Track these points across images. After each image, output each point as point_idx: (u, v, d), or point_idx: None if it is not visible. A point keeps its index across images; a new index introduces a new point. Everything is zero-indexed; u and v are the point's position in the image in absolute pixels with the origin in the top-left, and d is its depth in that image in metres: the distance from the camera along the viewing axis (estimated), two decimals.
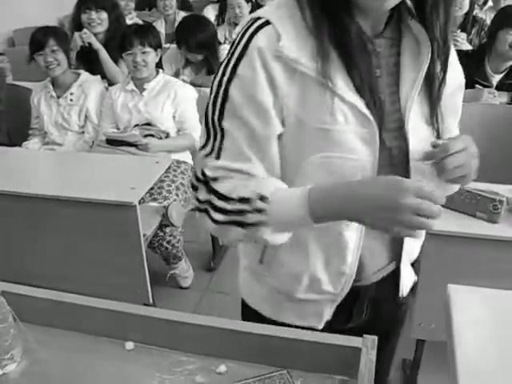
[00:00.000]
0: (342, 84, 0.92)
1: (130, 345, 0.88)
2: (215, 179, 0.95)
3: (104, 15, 3.26)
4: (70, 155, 2.67)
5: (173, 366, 0.85)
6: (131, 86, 2.72)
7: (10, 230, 2.22)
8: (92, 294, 0.89)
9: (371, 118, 0.93)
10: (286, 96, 0.92)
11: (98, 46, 3.19)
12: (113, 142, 2.58)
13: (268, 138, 0.94)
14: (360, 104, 0.93)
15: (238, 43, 0.92)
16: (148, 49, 2.64)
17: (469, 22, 3.84)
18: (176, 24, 3.60)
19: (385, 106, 0.98)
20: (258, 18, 0.92)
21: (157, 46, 2.70)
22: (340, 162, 0.93)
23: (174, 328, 0.86)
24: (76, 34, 3.23)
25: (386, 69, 0.99)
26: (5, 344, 0.82)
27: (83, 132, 2.84)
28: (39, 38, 2.71)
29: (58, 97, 2.82)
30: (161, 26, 4.29)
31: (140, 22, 3.75)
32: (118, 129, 2.67)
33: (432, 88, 1.00)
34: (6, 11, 4.29)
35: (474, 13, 4.11)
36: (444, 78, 1.00)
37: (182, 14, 4.22)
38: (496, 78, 2.95)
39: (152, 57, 2.67)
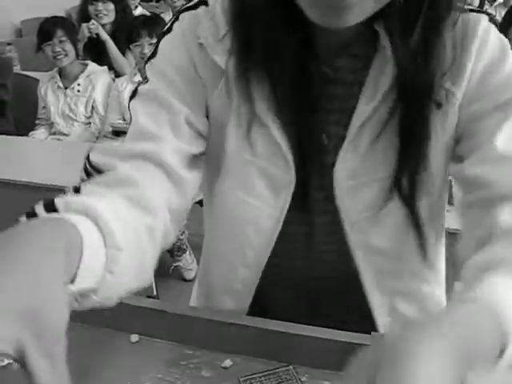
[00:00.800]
0: (263, 104, 0.74)
1: (135, 337, 0.88)
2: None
3: (111, 6, 3.27)
4: (76, 145, 2.67)
5: (178, 359, 0.85)
6: (138, 77, 2.72)
7: (14, 218, 2.21)
8: None
9: (290, 158, 0.76)
10: (210, 95, 0.77)
11: (105, 36, 3.19)
12: (119, 134, 2.58)
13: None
14: (283, 139, 0.75)
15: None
16: (156, 40, 2.63)
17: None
18: None
19: (321, 148, 0.77)
20: None
21: None
22: (237, 201, 0.80)
23: (178, 321, 0.85)
24: (83, 25, 3.23)
25: (340, 100, 0.76)
26: None
27: (90, 123, 2.84)
28: (47, 28, 2.71)
29: (66, 87, 2.83)
30: (168, 18, 4.29)
31: (147, 14, 3.74)
32: (125, 120, 2.67)
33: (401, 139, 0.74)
34: (14, 1, 4.29)
35: (484, 9, 4.09)
36: (426, 127, 0.73)
37: None
38: None
39: None
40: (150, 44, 2.60)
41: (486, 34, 0.73)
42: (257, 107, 0.75)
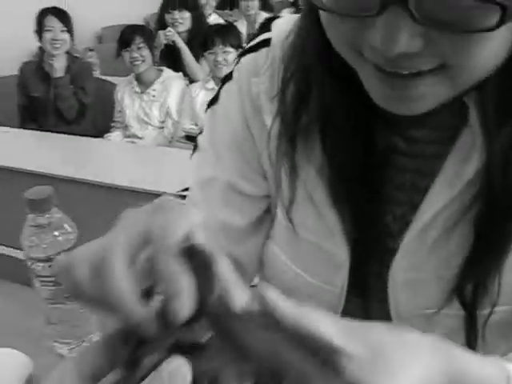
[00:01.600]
0: (310, 176, 0.64)
1: None
2: None
3: (186, 15, 3.38)
4: (150, 149, 2.76)
5: None
6: (211, 84, 2.79)
7: (88, 217, 2.32)
8: None
9: (343, 241, 0.65)
10: (261, 154, 0.69)
11: (181, 44, 3.29)
12: (192, 139, 2.65)
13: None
14: (333, 215, 0.64)
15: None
16: (229, 48, 2.70)
17: None
18: (257, 25, 3.66)
19: (384, 232, 0.66)
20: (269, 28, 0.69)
21: (238, 46, 2.76)
22: (296, 277, 0.70)
23: None
24: (160, 33, 3.35)
25: (412, 177, 0.64)
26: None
27: (163, 127, 2.94)
28: (127, 35, 2.83)
29: (142, 92, 2.93)
30: (242, 26, 4.36)
31: (222, 22, 3.83)
32: (197, 125, 2.74)
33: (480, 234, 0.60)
34: (95, 10, 4.48)
35: None
36: (509, 234, 0.58)
37: (263, 15, 4.27)
38: None
39: (233, 56, 2.72)
40: (224, 52, 2.66)
41: None
42: (303, 177, 0.65)
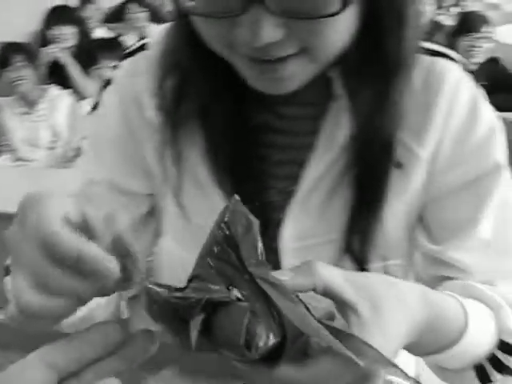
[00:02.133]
0: (196, 160, 0.69)
1: None
2: None
3: (70, 30, 3.27)
4: (40, 171, 2.65)
5: None
6: None
7: None
8: None
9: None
10: (144, 150, 0.73)
11: (66, 60, 3.18)
12: None
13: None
14: (219, 196, 0.69)
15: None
16: (116, 63, 2.64)
17: (432, 29, 3.91)
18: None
19: (266, 205, 0.70)
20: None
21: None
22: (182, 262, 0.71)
23: None
24: (43, 50, 3.22)
25: (289, 153, 0.70)
26: None
27: (53, 147, 2.83)
28: (6, 55, 2.71)
29: (27, 113, 2.81)
30: (131, 39, 4.28)
31: (108, 35, 3.75)
32: None
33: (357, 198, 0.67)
34: None
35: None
36: (383, 185, 0.67)
37: (153, 27, 4.21)
38: None
39: None
40: (109, 67, 2.61)
41: (456, 89, 0.66)
42: (188, 163, 0.70)
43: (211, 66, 0.62)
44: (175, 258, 0.76)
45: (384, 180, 0.66)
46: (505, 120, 2.41)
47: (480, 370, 0.64)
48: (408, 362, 0.92)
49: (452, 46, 3.01)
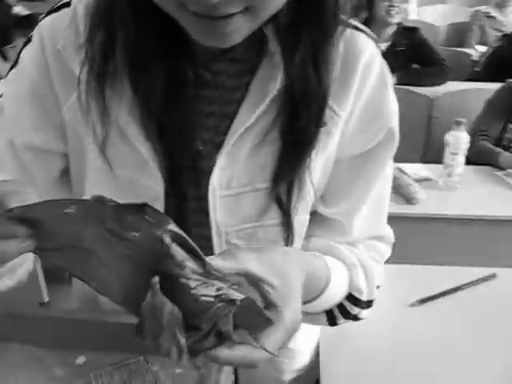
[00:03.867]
0: (122, 112, 0.70)
1: None
2: None
3: None
4: None
5: (30, 361, 0.84)
6: None
7: None
8: None
9: (158, 172, 0.72)
10: (63, 105, 0.74)
11: None
12: None
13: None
14: (145, 147, 0.71)
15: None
16: None
17: (357, 7, 3.96)
18: None
19: (195, 154, 0.73)
20: None
21: None
22: None
23: (29, 323, 0.84)
24: None
25: (219, 104, 0.73)
26: None
27: None
28: None
29: None
30: None
31: (25, 13, 3.61)
32: None
33: (285, 146, 0.72)
34: None
35: None
36: (310, 139, 0.71)
37: None
38: (381, 47, 3.11)
39: None
40: None
41: (371, 61, 0.73)
42: (114, 115, 0.70)
43: (146, 21, 0.64)
44: None
45: (311, 134, 0.71)
46: (416, 93, 2.44)
47: (330, 315, 0.81)
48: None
49: (371, 8, 3.26)
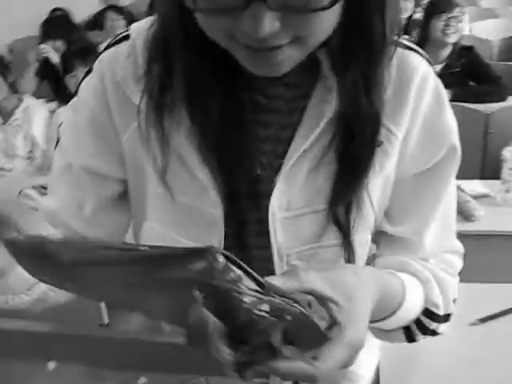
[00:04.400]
0: (181, 141, 0.72)
1: (51, 364, 0.89)
2: None
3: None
4: (20, 180, 2.65)
5: (94, 381, 0.86)
6: None
7: None
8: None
9: (217, 198, 0.73)
10: (122, 135, 0.76)
11: (55, 59, 3.22)
12: None
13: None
14: (204, 173, 0.72)
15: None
16: None
17: (410, 25, 3.93)
18: None
19: (253, 179, 0.74)
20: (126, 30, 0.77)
21: None
22: (169, 242, 0.76)
23: (90, 344, 0.87)
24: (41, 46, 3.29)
25: (275, 129, 0.74)
26: None
27: (31, 157, 2.83)
28: None
29: (4, 123, 2.81)
30: None
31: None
32: None
33: (343, 169, 0.73)
34: None
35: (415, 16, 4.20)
36: (366, 160, 0.72)
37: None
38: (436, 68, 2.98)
39: None
40: None
41: (425, 80, 0.74)
42: (173, 144, 0.72)
43: (200, 52, 0.67)
44: (161, 240, 0.78)
45: (367, 155, 0.72)
46: (470, 109, 2.39)
47: (407, 331, 0.81)
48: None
49: (426, 29, 3.18)
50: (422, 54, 0.76)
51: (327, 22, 0.60)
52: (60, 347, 0.88)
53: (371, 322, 0.67)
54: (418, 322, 0.80)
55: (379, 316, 0.72)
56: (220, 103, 0.69)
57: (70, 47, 3.30)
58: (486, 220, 1.98)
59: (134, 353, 0.86)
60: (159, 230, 0.78)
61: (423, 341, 0.84)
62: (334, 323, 0.59)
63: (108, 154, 0.79)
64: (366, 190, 0.74)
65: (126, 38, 0.75)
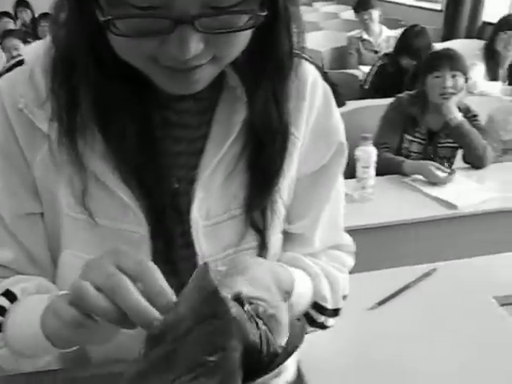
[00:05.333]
0: (96, 162, 0.71)
1: None
2: None
3: None
4: None
5: None
6: None
7: None
8: None
9: (141, 214, 0.74)
10: (32, 162, 0.74)
11: None
12: None
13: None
14: (126, 192, 0.73)
15: None
16: None
17: None
18: None
19: (172, 193, 0.76)
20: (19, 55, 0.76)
21: None
22: None
23: None
24: None
25: (186, 143, 0.76)
26: None
27: None
28: None
29: None
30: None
31: None
32: None
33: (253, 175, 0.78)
34: None
35: None
36: (277, 168, 0.77)
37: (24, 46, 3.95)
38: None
39: None
40: None
41: (315, 84, 0.81)
42: (90, 167, 0.71)
43: (107, 73, 0.66)
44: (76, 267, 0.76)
45: (278, 163, 0.77)
46: None
47: None
48: None
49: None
50: (309, 61, 0.83)
51: (244, 40, 0.64)
52: None
53: None
54: (306, 314, 0.84)
55: None
56: (130, 122, 0.70)
57: None
58: (347, 217, 2.12)
59: None
60: (81, 256, 0.76)
61: (338, 327, 0.90)
62: (269, 318, 0.61)
63: (24, 188, 0.76)
64: (278, 192, 0.80)
65: (20, 63, 0.74)
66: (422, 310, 1.26)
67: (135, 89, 0.70)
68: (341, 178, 0.90)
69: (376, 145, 2.60)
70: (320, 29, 5.97)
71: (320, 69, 0.85)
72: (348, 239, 0.94)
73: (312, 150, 0.83)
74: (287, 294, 0.74)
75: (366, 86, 3.87)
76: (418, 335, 1.16)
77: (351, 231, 2.00)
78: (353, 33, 4.90)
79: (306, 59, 0.82)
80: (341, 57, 4.87)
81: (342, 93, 3.40)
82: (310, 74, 0.81)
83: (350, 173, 2.38)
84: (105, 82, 0.67)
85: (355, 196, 2.27)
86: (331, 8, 7.91)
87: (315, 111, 0.82)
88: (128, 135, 0.70)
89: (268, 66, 0.71)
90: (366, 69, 4.19)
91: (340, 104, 3.32)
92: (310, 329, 0.86)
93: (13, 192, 0.76)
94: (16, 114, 0.72)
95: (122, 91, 0.69)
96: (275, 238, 0.84)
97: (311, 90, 0.80)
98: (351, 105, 3.30)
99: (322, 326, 0.88)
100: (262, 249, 0.82)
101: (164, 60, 0.60)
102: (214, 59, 0.63)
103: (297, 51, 0.77)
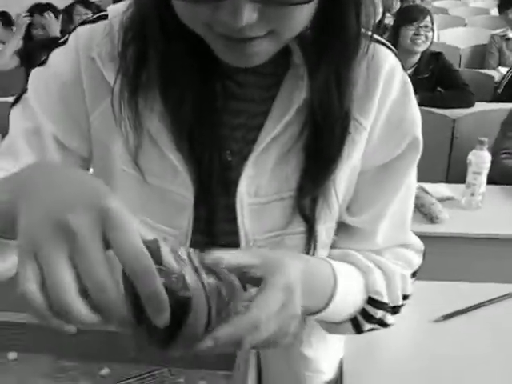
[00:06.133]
0: (154, 123, 0.73)
1: (12, 355, 0.87)
2: None
3: None
4: None
5: (56, 372, 0.85)
6: None
7: None
8: None
9: (188, 180, 0.74)
10: (92, 112, 0.76)
11: None
12: None
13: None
14: (176, 155, 0.73)
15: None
16: None
17: (381, 30, 3.98)
18: None
19: (223, 165, 0.75)
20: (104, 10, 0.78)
21: None
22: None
23: (55, 334, 0.85)
24: None
25: (246, 116, 0.75)
26: None
27: None
28: None
29: None
30: None
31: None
32: None
33: (309, 158, 0.74)
34: None
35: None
36: (334, 155, 0.74)
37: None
38: None
39: None
40: None
41: (392, 73, 0.76)
42: (146, 125, 0.73)
43: (174, 37, 0.67)
44: None
45: (335, 150, 0.73)
46: (437, 114, 2.44)
47: (355, 322, 0.81)
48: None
49: (396, 36, 3.23)
50: (389, 47, 0.77)
51: (303, 16, 0.60)
52: (21, 337, 0.87)
53: (313, 313, 0.74)
54: (363, 311, 0.81)
55: (310, 299, 0.70)
56: (193, 91, 0.70)
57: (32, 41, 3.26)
58: (451, 222, 2.02)
59: (96, 343, 0.85)
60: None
61: (385, 336, 0.85)
62: (257, 282, 0.61)
63: (74, 128, 0.78)
64: (332, 180, 0.75)
65: (104, 17, 0.76)
66: (491, 331, 1.16)
67: (199, 56, 0.69)
68: (414, 175, 0.83)
69: (495, 151, 2.44)
70: (464, 24, 5.67)
71: (397, 56, 0.78)
72: (416, 239, 0.87)
73: (383, 141, 0.78)
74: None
75: (500, 90, 3.61)
76: (480, 357, 1.07)
77: (449, 237, 1.95)
78: (497, 31, 4.58)
79: (386, 45, 0.77)
80: (481, 55, 4.59)
81: (473, 93, 3.22)
82: (386, 61, 0.76)
83: (460, 177, 2.25)
84: (171, 48, 0.68)
85: (462, 202, 2.15)
86: (482, 3, 7.46)
87: (390, 101, 0.76)
88: (185, 100, 0.70)
89: (332, 45, 0.67)
90: (505, 70, 3.91)
91: (468, 104, 3.15)
92: (368, 326, 0.82)
93: (63, 126, 0.77)
94: (88, 61, 0.74)
95: (186, 57, 0.69)
96: (325, 227, 0.80)
97: (386, 78, 0.75)
98: (479, 106, 3.12)
99: (382, 323, 0.83)
100: (310, 236, 0.78)
101: (218, 27, 0.59)
102: (273, 34, 0.60)
103: (375, 37, 0.73)
